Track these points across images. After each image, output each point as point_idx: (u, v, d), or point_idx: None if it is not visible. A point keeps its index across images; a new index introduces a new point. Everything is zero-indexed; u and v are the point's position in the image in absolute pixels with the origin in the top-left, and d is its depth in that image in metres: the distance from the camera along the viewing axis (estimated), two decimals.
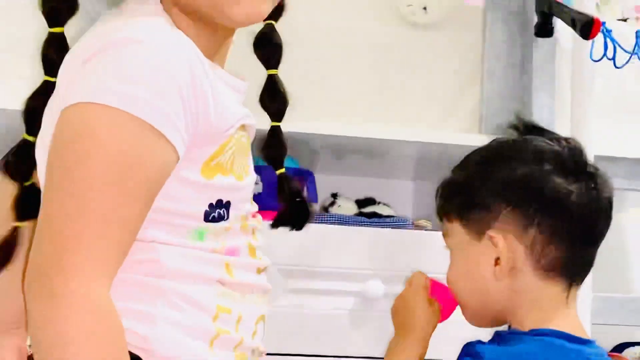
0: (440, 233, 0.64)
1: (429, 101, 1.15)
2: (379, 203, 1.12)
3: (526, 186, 0.55)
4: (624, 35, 1.06)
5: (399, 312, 0.62)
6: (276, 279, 0.81)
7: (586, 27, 0.99)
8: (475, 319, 0.59)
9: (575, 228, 0.54)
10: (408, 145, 1.01)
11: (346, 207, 1.09)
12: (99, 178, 0.33)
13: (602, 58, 1.03)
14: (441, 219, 0.63)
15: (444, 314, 0.60)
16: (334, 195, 1.13)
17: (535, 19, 1.13)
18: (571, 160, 0.56)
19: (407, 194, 1.22)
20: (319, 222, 0.95)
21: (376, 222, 1.04)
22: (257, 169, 0.49)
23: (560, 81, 1.12)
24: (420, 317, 0.59)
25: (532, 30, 1.13)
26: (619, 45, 1.03)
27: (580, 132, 0.94)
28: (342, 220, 1.03)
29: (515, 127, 0.62)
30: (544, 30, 1.09)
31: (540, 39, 1.12)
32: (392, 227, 1.03)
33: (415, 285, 0.61)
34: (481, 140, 0.74)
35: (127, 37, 0.36)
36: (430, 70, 1.14)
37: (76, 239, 0.32)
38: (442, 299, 0.60)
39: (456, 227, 0.59)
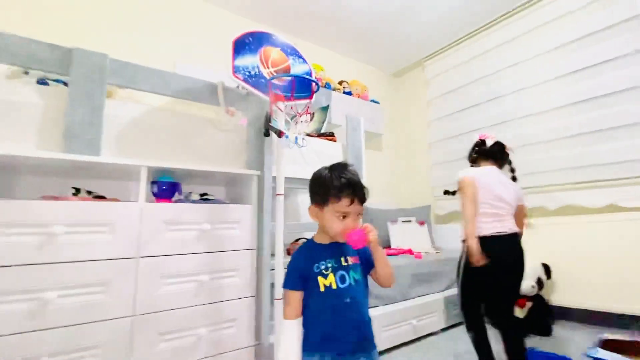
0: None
1: None
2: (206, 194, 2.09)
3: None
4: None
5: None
6: None
7: (278, 134, 1.73)
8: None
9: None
10: None
11: (195, 197, 2.04)
12: None
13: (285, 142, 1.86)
14: (362, 203, 1.12)
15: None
16: (190, 193, 2.05)
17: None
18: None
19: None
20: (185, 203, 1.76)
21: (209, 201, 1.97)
22: None
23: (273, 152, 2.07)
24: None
25: (263, 132, 2.05)
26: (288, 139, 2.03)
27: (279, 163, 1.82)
28: (194, 201, 1.94)
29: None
30: (266, 133, 2.02)
31: (266, 138, 2.07)
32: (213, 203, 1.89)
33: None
34: None
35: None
36: None
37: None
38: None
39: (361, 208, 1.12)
